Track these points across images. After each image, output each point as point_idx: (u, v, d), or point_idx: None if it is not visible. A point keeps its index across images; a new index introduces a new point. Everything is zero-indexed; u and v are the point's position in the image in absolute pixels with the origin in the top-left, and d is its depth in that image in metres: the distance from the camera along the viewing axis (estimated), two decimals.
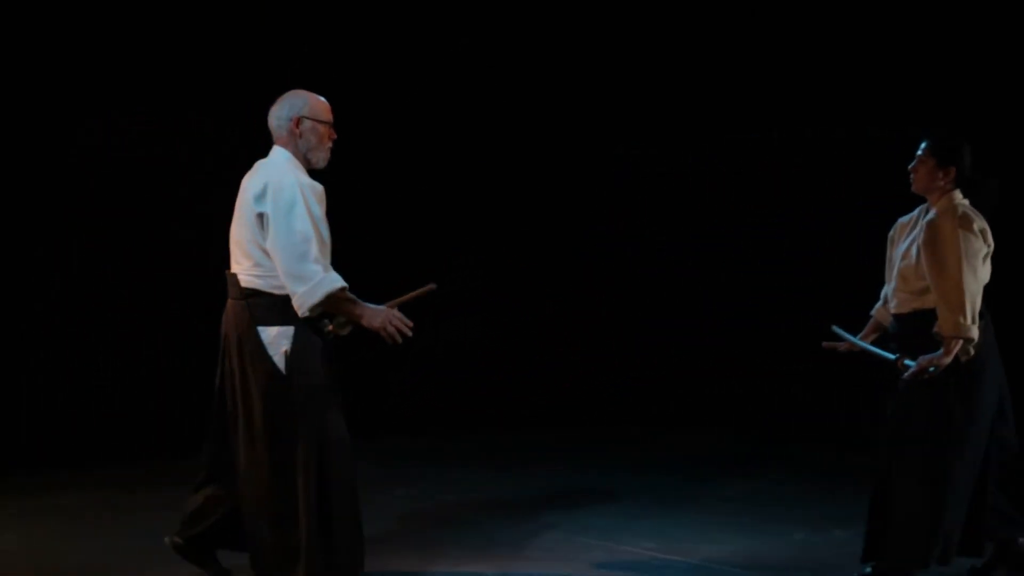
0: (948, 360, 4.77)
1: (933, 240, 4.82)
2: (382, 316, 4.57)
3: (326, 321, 4.63)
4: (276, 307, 4.56)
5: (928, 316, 4.86)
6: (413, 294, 4.77)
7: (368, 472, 5.34)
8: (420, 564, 5.40)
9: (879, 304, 5.26)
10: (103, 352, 7.93)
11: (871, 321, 5.26)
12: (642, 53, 8.76)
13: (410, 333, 4.60)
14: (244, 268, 4.64)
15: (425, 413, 8.94)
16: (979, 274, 4.82)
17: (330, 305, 4.53)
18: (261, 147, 4.80)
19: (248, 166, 4.80)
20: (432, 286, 4.77)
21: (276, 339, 4.56)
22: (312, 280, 4.48)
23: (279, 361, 4.55)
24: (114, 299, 7.94)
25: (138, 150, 7.94)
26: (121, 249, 7.95)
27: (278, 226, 4.50)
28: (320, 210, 4.59)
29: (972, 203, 4.99)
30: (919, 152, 5.01)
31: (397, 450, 8.14)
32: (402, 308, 4.68)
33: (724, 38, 8.35)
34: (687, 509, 6.47)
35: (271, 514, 4.63)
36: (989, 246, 4.92)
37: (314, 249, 4.49)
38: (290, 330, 4.56)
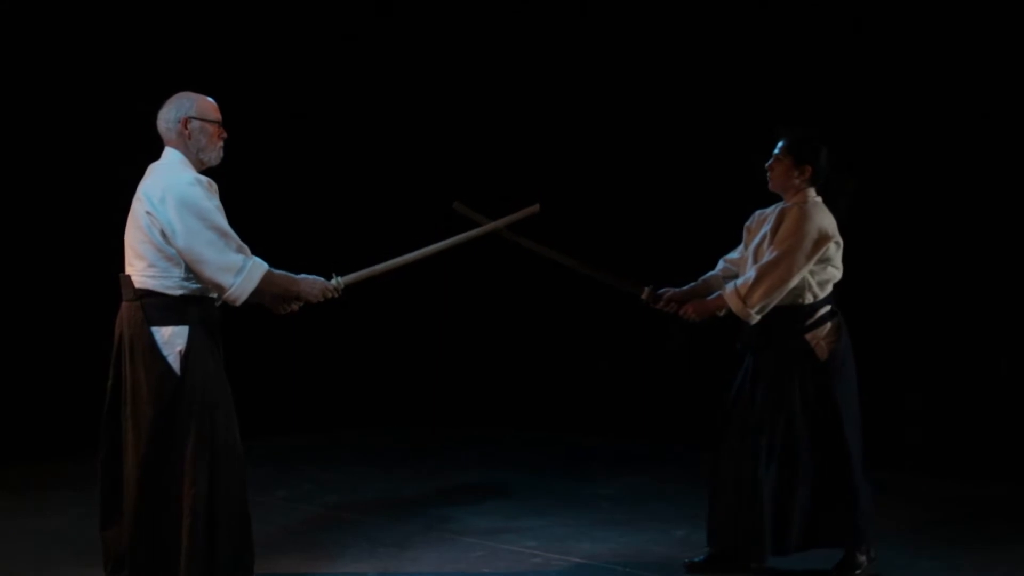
0: (702, 317, 5.11)
1: (779, 225, 4.99)
2: (318, 288, 4.77)
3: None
4: (170, 307, 4.54)
5: (787, 312, 5.00)
6: (518, 216, 5.17)
7: (249, 473, 5.29)
8: (302, 566, 5.37)
9: (712, 272, 5.39)
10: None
11: (696, 284, 5.36)
12: (641, 53, 8.73)
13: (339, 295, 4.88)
14: (138, 269, 4.57)
15: (306, 413, 8.89)
16: (798, 274, 4.92)
17: (266, 285, 4.61)
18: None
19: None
20: (536, 208, 5.20)
21: (171, 339, 4.52)
22: (244, 268, 4.53)
23: (173, 361, 4.51)
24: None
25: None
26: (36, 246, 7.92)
27: (190, 227, 4.46)
28: (217, 203, 4.59)
29: (826, 201, 5.09)
30: (776, 151, 5.10)
31: (278, 450, 8.07)
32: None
33: (722, 39, 8.37)
34: (569, 508, 6.50)
35: (154, 515, 4.55)
36: (838, 245, 5.05)
37: (232, 239, 4.53)
38: (184, 330, 4.54)
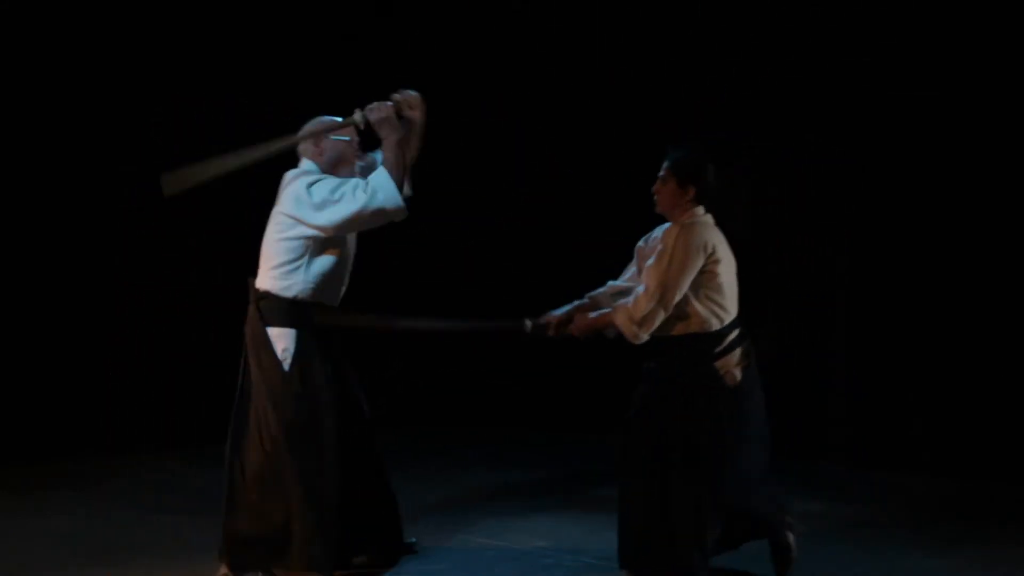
0: (585, 334, 5.01)
1: (664, 242, 4.88)
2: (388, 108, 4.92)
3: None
4: (282, 309, 4.93)
5: (696, 340, 4.88)
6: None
7: None
8: None
9: (599, 290, 5.23)
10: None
11: (581, 302, 5.20)
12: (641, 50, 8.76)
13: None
14: (262, 271, 5.00)
15: None
16: (678, 292, 4.78)
17: (396, 165, 4.83)
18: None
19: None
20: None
21: (281, 339, 4.90)
22: (373, 188, 4.79)
23: (284, 360, 4.88)
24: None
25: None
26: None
27: (325, 202, 4.79)
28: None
29: (721, 217, 4.97)
30: (661, 172, 4.99)
31: None
32: None
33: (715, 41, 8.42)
34: (578, 507, 6.53)
35: (266, 506, 4.89)
36: (717, 262, 4.84)
37: (356, 182, 4.83)
38: (292, 332, 4.92)
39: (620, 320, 4.86)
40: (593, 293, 5.26)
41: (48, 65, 7.63)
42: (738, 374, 4.89)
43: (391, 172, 4.81)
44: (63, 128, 7.73)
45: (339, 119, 5.06)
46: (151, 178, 7.88)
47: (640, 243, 5.18)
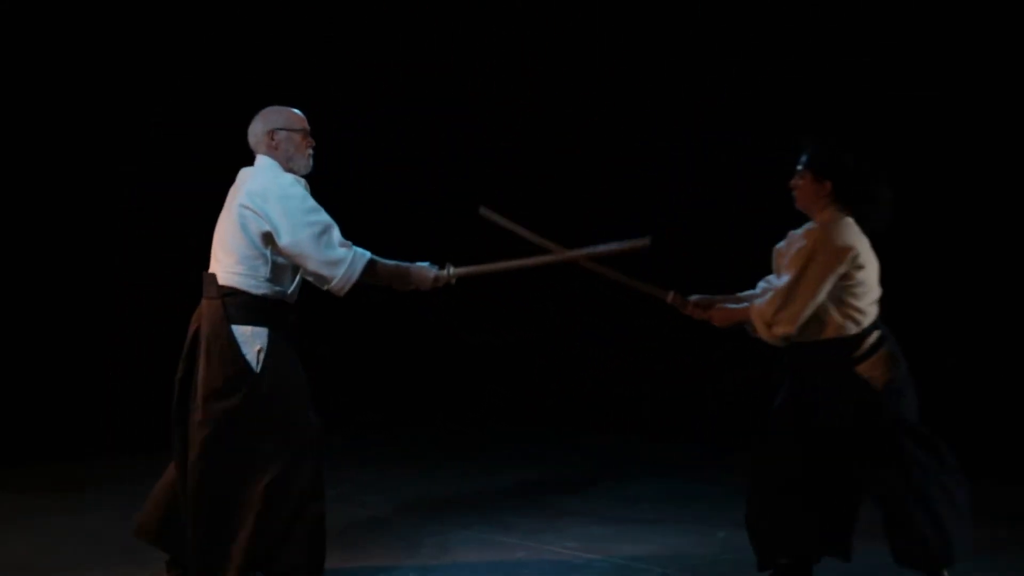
0: (725, 324, 4.86)
1: (806, 242, 4.68)
2: (429, 277, 4.87)
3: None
4: (251, 307, 4.65)
5: (827, 346, 4.71)
6: (622, 248, 4.94)
7: None
8: (341, 566, 5.32)
9: (751, 291, 5.03)
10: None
11: (728, 296, 5.03)
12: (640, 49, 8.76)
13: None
14: (225, 266, 4.66)
15: (343, 413, 8.85)
16: (813, 299, 4.59)
17: (370, 276, 4.73)
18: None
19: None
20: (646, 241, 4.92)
21: (251, 338, 4.63)
22: (346, 261, 4.65)
23: (252, 359, 4.61)
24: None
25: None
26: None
27: (294, 223, 4.60)
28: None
29: (860, 216, 4.74)
30: (798, 167, 4.83)
31: None
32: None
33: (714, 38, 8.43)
34: (608, 508, 6.51)
35: (213, 512, 4.60)
36: (860, 267, 4.65)
37: (335, 233, 4.66)
38: (264, 331, 4.65)
39: (754, 317, 4.73)
40: (742, 293, 5.06)
41: (48, 65, 7.57)
42: (881, 380, 4.69)
43: (367, 275, 4.72)
44: (63, 128, 7.67)
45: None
46: (151, 178, 7.93)
47: (780, 244, 4.95)
